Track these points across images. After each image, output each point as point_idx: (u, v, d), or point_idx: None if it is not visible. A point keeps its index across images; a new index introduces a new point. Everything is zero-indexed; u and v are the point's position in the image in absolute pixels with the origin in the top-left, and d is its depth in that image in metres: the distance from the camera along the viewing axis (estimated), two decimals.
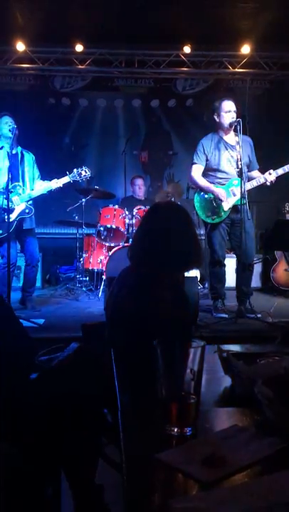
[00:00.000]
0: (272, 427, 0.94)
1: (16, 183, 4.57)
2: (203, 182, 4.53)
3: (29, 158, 4.77)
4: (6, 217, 4.25)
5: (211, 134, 4.59)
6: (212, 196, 4.48)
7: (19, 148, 4.72)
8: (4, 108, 4.77)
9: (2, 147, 4.60)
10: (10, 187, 4.31)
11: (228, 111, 4.40)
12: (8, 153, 4.43)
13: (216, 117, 4.49)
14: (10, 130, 4.46)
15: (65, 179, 4.66)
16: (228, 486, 0.74)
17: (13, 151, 4.56)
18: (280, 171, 4.43)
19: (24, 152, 4.75)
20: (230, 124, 4.36)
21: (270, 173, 4.42)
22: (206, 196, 4.55)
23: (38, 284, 6.10)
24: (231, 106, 4.42)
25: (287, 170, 4.44)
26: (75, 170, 4.74)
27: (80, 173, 4.72)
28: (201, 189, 4.59)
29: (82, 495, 1.57)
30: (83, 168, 4.76)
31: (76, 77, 7.64)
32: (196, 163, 4.56)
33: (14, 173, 4.53)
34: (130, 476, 0.77)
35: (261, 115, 7.16)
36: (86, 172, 4.74)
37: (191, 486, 0.76)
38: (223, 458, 0.80)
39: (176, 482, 0.79)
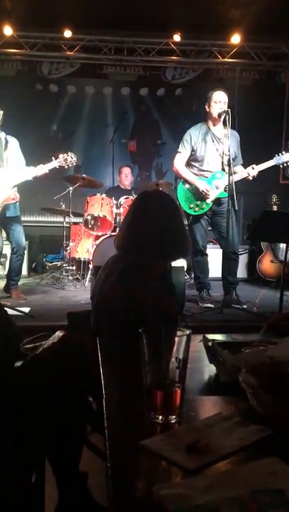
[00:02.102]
0: (257, 415, 0.95)
1: (1, 169, 4.50)
2: (186, 173, 4.55)
3: (13, 143, 4.68)
4: None
5: (199, 124, 4.58)
6: (194, 188, 4.49)
7: (3, 134, 4.64)
8: None
9: None
10: None
11: (218, 101, 4.39)
12: None
13: (206, 107, 4.49)
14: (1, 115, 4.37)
15: (51, 164, 4.58)
16: (213, 473, 0.75)
17: None
18: (263, 166, 4.46)
19: (8, 137, 4.66)
20: (219, 115, 4.36)
21: (252, 168, 4.43)
22: (188, 188, 4.56)
23: (24, 272, 6.06)
24: (222, 96, 4.41)
25: (269, 165, 4.47)
26: (60, 155, 4.67)
27: (66, 159, 4.66)
28: (183, 180, 4.59)
29: (66, 482, 1.57)
30: (69, 154, 4.70)
31: (64, 64, 7.56)
32: (180, 153, 4.56)
33: None
34: (114, 463, 0.77)
35: (250, 106, 7.15)
36: (72, 158, 4.68)
37: (175, 473, 0.76)
38: (207, 445, 0.81)
39: (160, 469, 0.79)
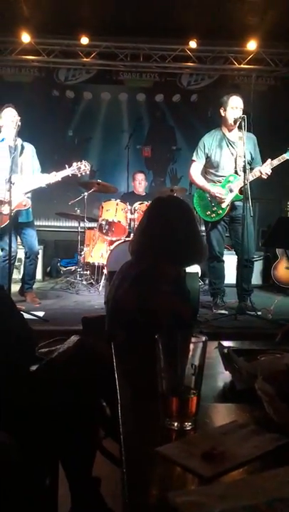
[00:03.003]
0: (273, 423, 0.94)
1: (15, 175, 4.52)
2: (200, 181, 4.56)
3: (29, 150, 4.72)
4: (3, 209, 4.25)
5: (213, 131, 4.58)
6: (210, 195, 4.49)
7: (19, 141, 4.65)
8: (8, 100, 4.73)
9: (3, 139, 4.56)
10: (8, 179, 4.22)
11: (234, 107, 4.38)
12: (9, 145, 4.41)
13: (221, 111, 4.48)
14: (12, 121, 4.40)
15: (64, 172, 4.61)
16: (228, 481, 0.74)
17: (14, 143, 4.50)
18: (275, 162, 4.41)
19: (24, 144, 4.70)
20: (235, 121, 4.34)
21: (265, 166, 4.40)
22: (204, 195, 4.56)
23: (39, 276, 6.10)
24: (238, 102, 4.40)
25: (281, 160, 4.42)
26: (74, 164, 4.69)
27: (80, 167, 4.68)
28: (198, 188, 4.61)
29: (79, 487, 1.57)
30: (83, 162, 4.72)
31: (81, 70, 7.63)
32: (195, 161, 4.57)
33: (14, 165, 4.43)
34: (130, 469, 0.77)
35: (265, 112, 7.13)
36: (86, 166, 4.69)
37: (190, 480, 0.76)
38: (223, 453, 0.80)
39: (175, 476, 0.78)
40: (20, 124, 4.45)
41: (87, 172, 4.80)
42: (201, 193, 4.61)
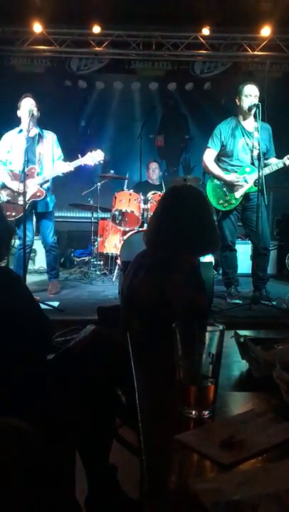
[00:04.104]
0: None
1: (32, 166, 4.53)
2: (214, 168, 4.50)
3: (49, 138, 4.68)
4: (19, 199, 4.28)
5: (229, 119, 4.53)
6: (223, 184, 4.45)
7: (38, 129, 4.63)
8: (21, 90, 4.73)
9: (21, 130, 4.56)
10: (26, 170, 4.26)
11: (248, 95, 4.32)
12: (26, 136, 4.40)
13: (237, 100, 4.43)
14: (29, 110, 4.37)
15: (77, 162, 4.58)
16: (247, 469, 0.74)
17: (31, 134, 4.51)
18: None
19: (44, 133, 4.67)
20: (249, 108, 4.29)
21: (288, 158, 4.35)
22: (217, 183, 4.52)
23: None
24: (253, 90, 4.34)
25: None
26: (88, 153, 4.67)
27: (94, 157, 4.66)
28: (212, 175, 4.56)
29: (96, 474, 1.59)
30: (97, 150, 4.68)
31: (93, 59, 7.59)
32: (210, 148, 4.52)
33: (30, 156, 4.45)
34: (149, 456, 0.78)
35: (281, 98, 7.02)
36: (99, 156, 4.66)
37: (209, 468, 0.76)
38: (241, 441, 0.80)
39: (194, 464, 0.79)
40: (37, 113, 4.46)
41: (101, 161, 4.77)
42: (214, 181, 4.56)
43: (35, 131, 4.58)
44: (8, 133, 4.59)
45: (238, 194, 4.41)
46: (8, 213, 4.36)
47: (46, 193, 4.59)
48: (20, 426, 1.05)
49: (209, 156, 4.52)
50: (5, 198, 4.50)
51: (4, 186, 4.51)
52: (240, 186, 4.39)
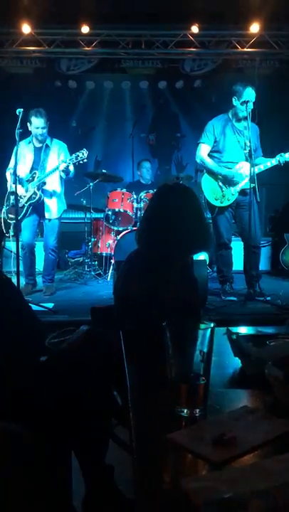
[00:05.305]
0: (283, 408, 0.94)
1: (34, 171, 4.70)
2: (211, 163, 4.47)
3: (55, 148, 4.81)
4: (15, 203, 4.35)
5: (221, 116, 4.52)
6: (220, 179, 4.44)
7: (48, 140, 4.79)
8: (11, 91, 4.75)
9: (30, 142, 4.77)
10: (29, 176, 4.64)
11: (249, 100, 4.28)
12: (34, 146, 4.73)
13: (234, 100, 4.37)
14: (41, 134, 4.66)
15: (64, 164, 4.64)
16: (239, 466, 0.74)
17: (39, 145, 4.76)
18: None
19: (54, 142, 4.84)
20: (246, 117, 4.25)
21: (281, 155, 4.34)
22: (213, 179, 4.50)
23: None
24: (253, 95, 4.29)
25: None
26: (74, 154, 4.70)
27: (78, 156, 4.67)
28: (208, 171, 4.53)
29: (93, 474, 1.59)
30: (80, 151, 4.70)
31: (82, 59, 7.55)
32: (203, 143, 4.49)
33: (35, 163, 4.73)
34: (140, 455, 0.78)
35: (270, 95, 7.03)
36: (83, 154, 4.67)
37: (201, 466, 0.76)
38: (233, 438, 0.80)
39: (186, 462, 0.79)
40: (45, 132, 4.69)
41: (85, 160, 4.77)
42: (210, 177, 4.53)
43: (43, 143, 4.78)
44: (20, 144, 4.55)
45: (235, 190, 4.40)
46: (10, 216, 4.62)
47: (56, 199, 4.82)
48: (14, 430, 1.05)
49: (204, 151, 4.49)
50: (11, 202, 4.66)
51: (12, 191, 4.56)
52: (237, 182, 4.38)
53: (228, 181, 4.40)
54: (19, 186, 4.49)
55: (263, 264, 5.58)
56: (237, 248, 4.74)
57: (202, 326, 0.96)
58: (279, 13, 6.30)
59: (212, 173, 4.50)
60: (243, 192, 4.40)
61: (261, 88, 6.77)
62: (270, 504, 0.61)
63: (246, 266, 4.53)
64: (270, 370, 0.99)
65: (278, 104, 7.10)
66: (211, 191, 4.49)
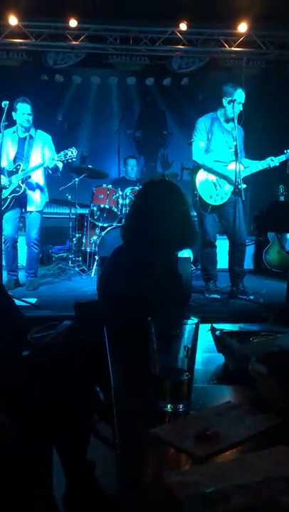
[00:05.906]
0: (266, 403, 0.94)
1: (19, 163, 4.64)
2: (209, 162, 4.43)
3: (39, 140, 4.76)
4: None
5: (210, 114, 4.52)
6: (216, 178, 4.43)
7: (32, 131, 4.73)
8: None
9: (15, 132, 4.69)
10: (13, 168, 4.59)
11: (240, 102, 4.29)
12: (18, 136, 4.66)
13: (224, 101, 4.36)
14: (27, 120, 4.60)
15: (51, 163, 4.61)
16: (222, 461, 0.74)
17: (23, 135, 4.70)
18: (283, 157, 4.40)
19: (38, 133, 4.78)
20: (233, 119, 4.26)
21: (272, 160, 4.37)
22: (208, 178, 4.47)
23: None
24: (243, 97, 4.31)
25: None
26: (62, 152, 4.66)
27: (66, 154, 4.64)
28: (206, 169, 4.48)
29: (74, 470, 1.58)
30: (69, 149, 4.66)
31: (70, 54, 7.48)
32: (199, 141, 4.46)
33: (18, 154, 4.68)
34: (124, 451, 0.77)
35: (257, 95, 7.06)
36: (72, 153, 4.64)
37: (184, 461, 0.76)
38: (216, 433, 0.80)
39: (169, 457, 0.79)
40: (30, 119, 4.64)
41: (74, 159, 4.74)
42: (205, 176, 4.48)
43: (24, 133, 4.72)
44: (5, 133, 4.49)
45: (229, 189, 4.40)
46: None
47: (38, 191, 4.76)
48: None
49: (200, 150, 4.46)
50: None
51: None
52: (232, 181, 4.38)
53: (224, 181, 4.41)
54: (2, 177, 4.43)
55: (247, 263, 5.61)
56: (221, 247, 4.76)
57: (187, 321, 0.96)
58: (267, 13, 6.33)
59: (208, 172, 4.47)
60: (234, 191, 4.41)
61: (248, 88, 6.82)
62: (251, 499, 0.61)
63: (230, 263, 4.55)
64: (254, 366, 1.00)
65: (264, 104, 7.13)
66: (206, 189, 4.46)
